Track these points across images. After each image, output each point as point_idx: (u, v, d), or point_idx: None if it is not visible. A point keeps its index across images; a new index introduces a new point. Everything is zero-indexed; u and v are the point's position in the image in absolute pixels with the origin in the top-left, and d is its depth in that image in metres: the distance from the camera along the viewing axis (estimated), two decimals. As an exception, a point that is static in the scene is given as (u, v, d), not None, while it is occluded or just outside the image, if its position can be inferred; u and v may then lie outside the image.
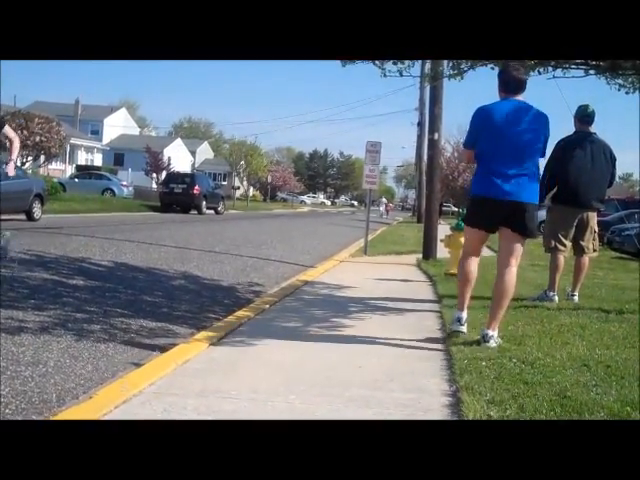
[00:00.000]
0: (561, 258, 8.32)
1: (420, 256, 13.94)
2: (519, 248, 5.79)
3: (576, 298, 8.33)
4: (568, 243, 8.35)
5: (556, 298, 8.28)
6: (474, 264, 5.95)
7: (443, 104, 14.04)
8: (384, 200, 62.17)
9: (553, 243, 8.34)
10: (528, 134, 5.64)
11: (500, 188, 5.57)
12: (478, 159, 5.84)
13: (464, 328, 5.90)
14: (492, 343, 5.51)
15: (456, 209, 49.76)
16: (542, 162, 6.78)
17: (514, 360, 5.00)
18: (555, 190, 8.34)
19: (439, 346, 5.79)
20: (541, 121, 5.73)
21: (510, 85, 5.77)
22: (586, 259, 8.44)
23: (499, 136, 5.61)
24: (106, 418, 3.63)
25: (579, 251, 8.46)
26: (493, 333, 5.59)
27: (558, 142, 8.30)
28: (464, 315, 5.91)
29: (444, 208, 51.18)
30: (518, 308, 7.40)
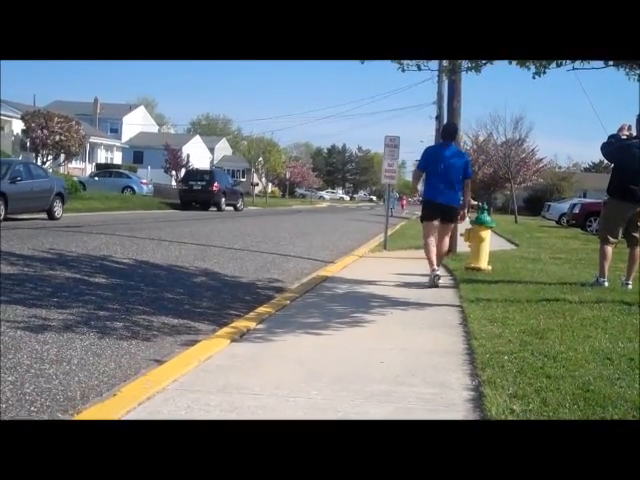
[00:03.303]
0: (609, 248, 8.80)
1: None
2: (449, 229, 9.76)
3: (630, 286, 8.68)
4: (619, 235, 8.88)
5: (606, 283, 8.72)
6: (432, 242, 9.36)
7: (462, 97, 13.95)
8: (396, 194, 55.24)
9: (605, 234, 8.91)
10: (456, 165, 9.28)
11: (441, 197, 9.23)
12: (426, 179, 9.46)
13: (437, 279, 9.12)
14: (439, 274, 9.17)
15: (475, 203, 49.54)
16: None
17: (536, 354, 4.98)
18: (611, 186, 8.89)
19: (460, 340, 5.79)
20: (464, 157, 9.76)
21: (447, 135, 9.63)
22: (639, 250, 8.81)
23: (439, 166, 9.19)
24: (130, 415, 3.66)
25: (632, 242, 8.85)
26: (438, 268, 9.26)
27: (620, 143, 8.72)
28: (439, 272, 9.26)
29: (472, 202, 50.62)
30: (540, 302, 7.36)
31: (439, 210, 9.32)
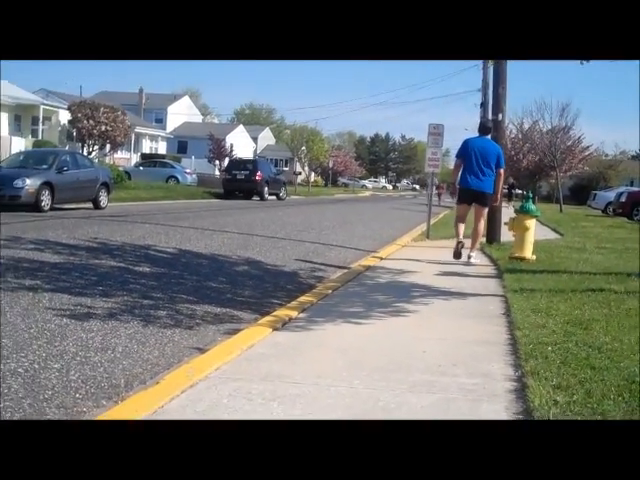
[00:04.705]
0: None
1: (484, 240, 13.78)
2: (484, 213, 10.96)
3: None
4: None
5: None
6: (462, 227, 10.77)
7: (507, 84, 13.78)
8: (435, 182, 52.57)
9: None
10: (489, 156, 10.52)
11: (474, 183, 10.48)
12: (463, 168, 10.61)
13: (463, 246, 10.51)
14: (473, 260, 10.53)
15: (520, 191, 48.93)
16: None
17: (581, 345, 4.93)
18: None
19: (503, 330, 5.74)
20: (498, 149, 10.79)
21: (483, 130, 10.92)
22: None
23: (475, 156, 10.47)
24: (173, 402, 3.70)
25: None
26: (473, 254, 10.66)
27: None
28: (462, 238, 10.58)
29: (517, 191, 49.91)
30: (584, 292, 7.28)
31: (472, 195, 10.65)
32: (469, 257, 10.53)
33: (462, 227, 10.76)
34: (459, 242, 10.50)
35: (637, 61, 6.94)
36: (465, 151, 10.66)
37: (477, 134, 11.06)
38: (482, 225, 11.07)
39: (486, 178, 10.52)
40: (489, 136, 11.16)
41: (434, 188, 54.86)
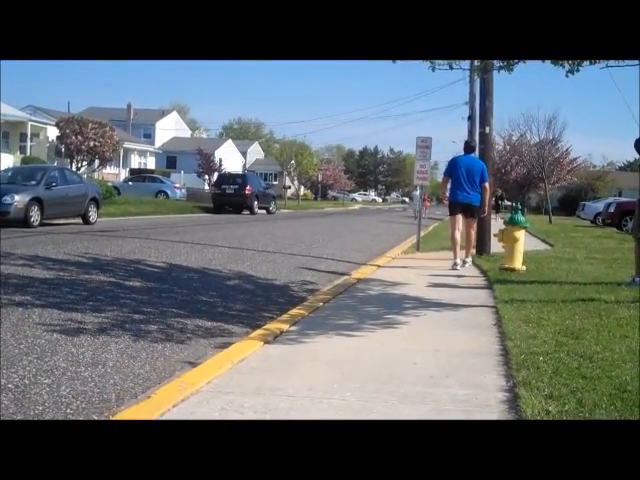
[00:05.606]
0: None
1: (474, 251, 13.81)
2: (472, 223, 12.06)
3: None
4: None
5: None
6: (458, 234, 11.68)
7: (494, 97, 13.86)
8: (418, 194, 52.26)
9: None
10: (474, 172, 11.66)
11: (461, 197, 11.62)
12: (452, 184, 11.78)
13: (459, 267, 11.42)
14: (468, 264, 11.79)
15: (509, 203, 49.02)
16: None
17: (572, 354, 4.94)
18: None
19: (495, 341, 5.75)
20: (481, 165, 11.96)
21: (467, 149, 12.18)
22: None
23: (461, 173, 11.60)
24: (164, 417, 3.68)
25: None
26: (468, 259, 12.00)
27: None
28: (459, 260, 11.55)
29: (505, 202, 50.07)
30: (575, 302, 7.29)
31: (461, 207, 11.75)
32: (464, 262, 11.71)
33: (458, 237, 11.70)
34: (455, 263, 11.50)
35: (624, 72, 6.94)
36: (453, 169, 11.80)
37: (462, 153, 12.10)
38: (473, 235, 12.27)
39: (473, 192, 11.65)
40: (473, 154, 12.43)
41: (422, 201, 55.36)
